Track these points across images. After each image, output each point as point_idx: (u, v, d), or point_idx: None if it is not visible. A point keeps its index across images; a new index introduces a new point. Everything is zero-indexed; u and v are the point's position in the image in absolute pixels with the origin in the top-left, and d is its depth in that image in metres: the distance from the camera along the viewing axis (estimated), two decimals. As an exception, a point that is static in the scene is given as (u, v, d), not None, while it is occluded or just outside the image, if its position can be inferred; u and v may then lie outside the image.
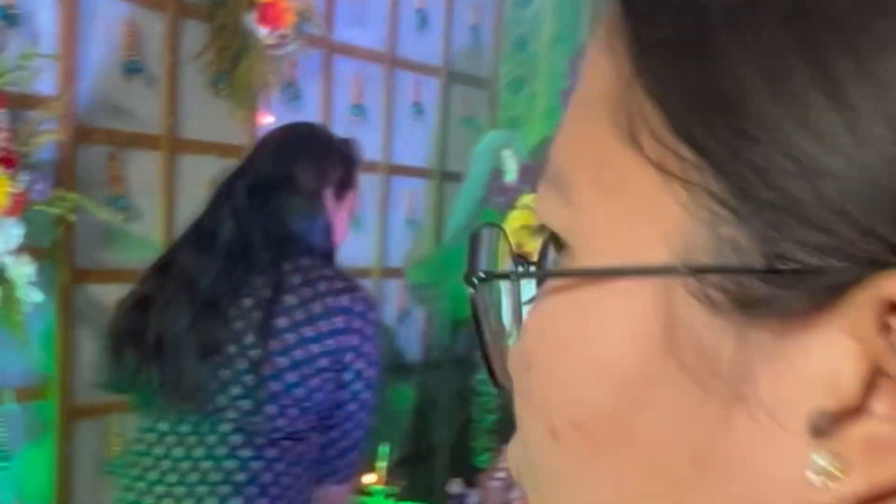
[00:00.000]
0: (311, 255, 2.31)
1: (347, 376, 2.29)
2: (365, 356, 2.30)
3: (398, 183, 4.27)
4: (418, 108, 4.36)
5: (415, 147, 4.35)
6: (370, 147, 4.10)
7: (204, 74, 3.33)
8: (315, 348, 2.23)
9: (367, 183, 4.07)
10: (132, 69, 3.11)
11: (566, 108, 0.48)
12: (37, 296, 2.62)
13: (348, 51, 3.96)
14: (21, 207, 2.59)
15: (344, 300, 2.26)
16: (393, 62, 4.19)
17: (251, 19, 3.32)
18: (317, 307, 2.23)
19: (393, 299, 4.32)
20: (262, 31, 3.35)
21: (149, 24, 3.17)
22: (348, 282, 2.32)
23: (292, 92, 3.70)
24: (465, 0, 4.51)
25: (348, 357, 2.27)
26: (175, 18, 3.22)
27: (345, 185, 2.45)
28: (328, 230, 2.38)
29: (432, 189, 4.43)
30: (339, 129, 3.91)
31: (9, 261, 2.58)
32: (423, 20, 4.34)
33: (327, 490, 2.39)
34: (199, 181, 3.37)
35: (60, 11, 2.88)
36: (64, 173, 2.86)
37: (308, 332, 2.23)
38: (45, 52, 2.74)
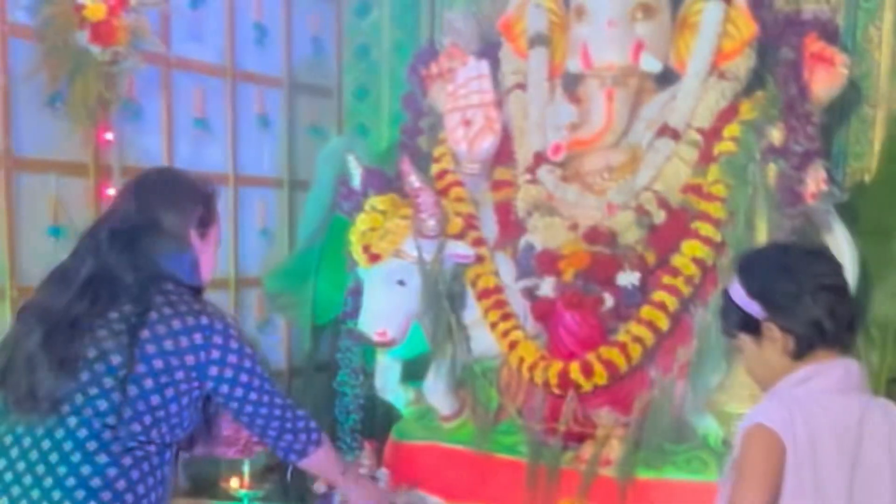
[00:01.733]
0: (178, 286, 2.47)
1: (221, 387, 2.46)
2: (232, 365, 2.46)
3: (248, 194, 4.33)
4: (263, 120, 4.43)
5: (262, 158, 4.42)
6: (216, 160, 4.17)
7: (39, 95, 3.35)
8: (174, 361, 2.37)
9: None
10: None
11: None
12: None
13: (187, 65, 4.01)
14: None
15: (203, 319, 2.42)
16: (234, 75, 4.25)
17: (83, 38, 3.35)
18: (177, 323, 2.39)
19: (251, 308, 4.38)
20: (95, 50, 3.38)
21: (-23, 47, 3.18)
22: (209, 305, 2.49)
23: (132, 108, 3.74)
24: (303, 12, 4.60)
25: (213, 370, 2.43)
26: (3, 40, 3.23)
27: (207, 223, 2.60)
28: (195, 265, 2.53)
29: (283, 198, 4.49)
30: (183, 144, 3.99)
31: None
32: (261, 33, 4.41)
33: (307, 465, 2.71)
34: (41, 198, 3.42)
35: None
36: None
37: (168, 345, 2.37)
38: None
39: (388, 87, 4.61)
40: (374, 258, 3.65)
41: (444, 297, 3.74)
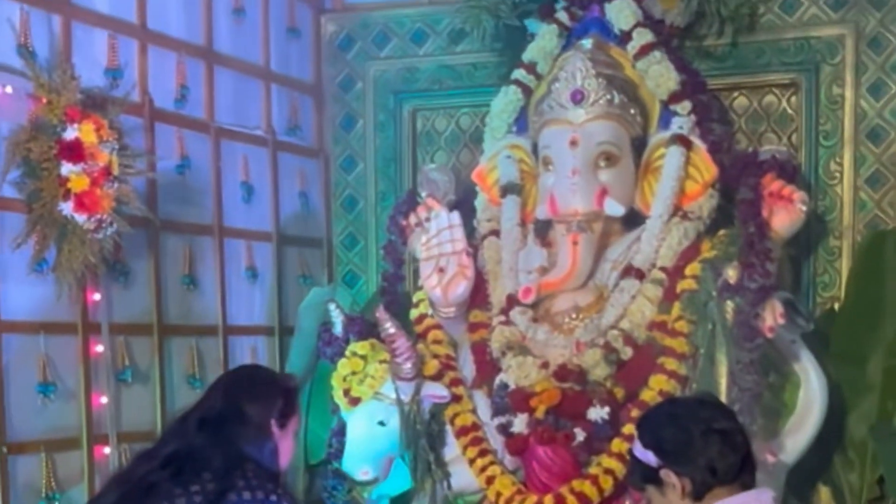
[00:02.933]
0: (258, 469, 2.72)
1: None
2: None
3: (239, 342, 4.55)
4: (252, 272, 4.66)
5: (252, 307, 4.65)
6: (206, 312, 4.38)
7: (26, 262, 3.58)
8: None
9: (204, 345, 4.36)
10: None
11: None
12: None
13: (175, 227, 4.24)
14: None
15: (272, 498, 2.66)
16: (222, 232, 4.49)
17: (68, 207, 3.58)
18: (247, 495, 2.64)
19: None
20: (80, 218, 3.61)
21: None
22: (281, 488, 2.72)
23: (120, 269, 3.97)
24: (290, 168, 4.85)
25: None
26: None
27: (287, 414, 2.87)
28: (274, 452, 2.80)
29: (273, 345, 4.71)
30: (172, 300, 4.21)
31: None
32: (249, 192, 4.66)
33: None
34: (30, 357, 3.63)
35: None
36: None
37: None
38: None
39: (375, 236, 4.82)
40: (355, 401, 3.85)
41: (423, 435, 3.91)
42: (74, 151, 3.61)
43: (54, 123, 3.61)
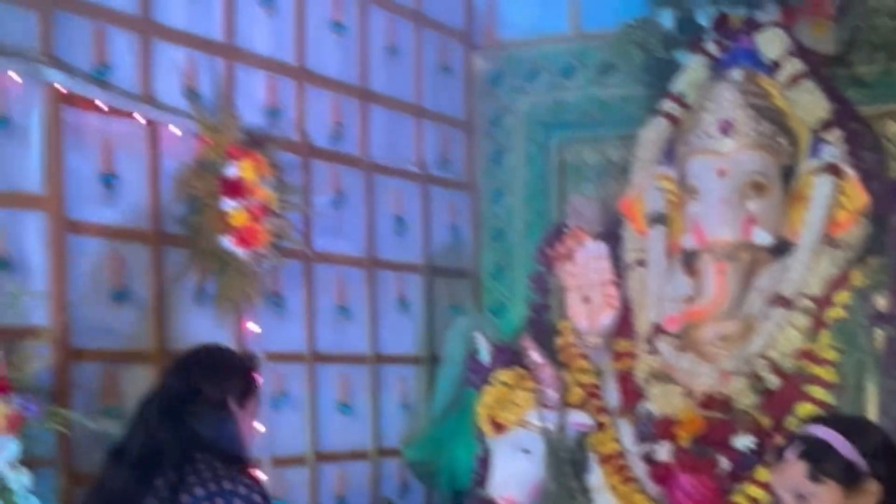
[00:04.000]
0: (218, 454, 2.66)
1: None
2: None
3: (388, 371, 4.70)
4: (403, 302, 4.80)
5: (402, 337, 4.79)
6: (356, 341, 4.54)
7: (189, 293, 3.79)
8: None
9: (354, 373, 4.51)
10: (119, 296, 3.59)
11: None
12: (34, 502, 3.05)
13: (328, 259, 4.43)
14: (16, 426, 3.04)
15: (227, 485, 2.60)
16: (374, 264, 4.65)
17: (228, 242, 3.78)
18: (212, 487, 2.60)
19: (392, 477, 4.71)
20: (240, 252, 3.80)
21: (133, 255, 3.67)
22: (238, 473, 2.65)
23: (276, 300, 4.16)
24: (441, 201, 4.99)
25: None
26: (157, 247, 3.72)
27: (246, 394, 2.81)
28: (235, 434, 2.74)
29: (422, 374, 4.83)
30: (324, 331, 4.38)
31: (8, 472, 3.01)
32: (401, 225, 4.82)
33: None
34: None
35: (50, 253, 3.39)
36: (60, 391, 3.31)
37: None
38: (36, 289, 3.23)
39: (522, 266, 4.90)
40: (500, 428, 3.93)
41: (567, 463, 3.96)
42: (235, 188, 3.80)
43: (217, 161, 3.81)
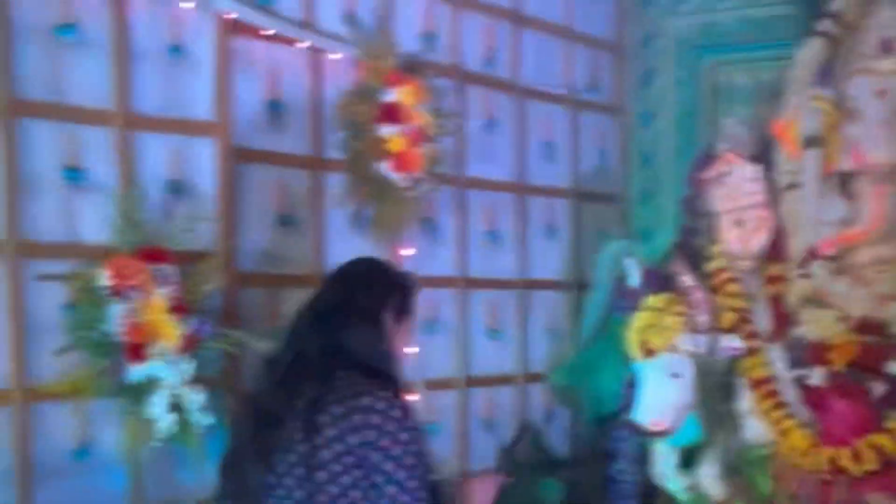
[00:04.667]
0: (364, 369, 2.57)
1: (377, 477, 2.48)
2: (383, 449, 2.47)
3: (536, 297, 4.76)
4: (550, 228, 4.84)
5: (549, 263, 4.83)
6: (505, 267, 4.60)
7: (347, 219, 3.88)
8: (351, 439, 2.47)
9: (503, 298, 4.56)
10: (282, 221, 3.69)
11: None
12: (208, 419, 3.19)
13: (479, 184, 4.48)
14: (191, 346, 3.18)
15: (365, 401, 2.49)
16: (523, 190, 4.69)
17: (386, 168, 3.85)
18: (338, 409, 2.48)
19: (537, 401, 4.78)
20: (397, 177, 3.86)
21: (295, 181, 3.75)
22: (379, 388, 2.53)
23: (429, 225, 4.23)
24: (589, 126, 4.98)
25: (374, 457, 2.47)
26: (318, 173, 3.80)
27: (402, 311, 2.73)
28: (386, 348, 2.64)
29: (569, 299, 4.87)
30: (475, 254, 4.44)
31: (183, 391, 3.15)
32: (550, 150, 4.84)
33: None
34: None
35: (219, 179, 3.50)
36: (228, 314, 3.44)
37: (344, 426, 2.46)
38: (206, 215, 3.35)
39: (670, 191, 4.88)
40: (650, 353, 3.94)
41: (717, 387, 3.96)
42: (393, 114, 3.83)
43: (375, 87, 3.84)
